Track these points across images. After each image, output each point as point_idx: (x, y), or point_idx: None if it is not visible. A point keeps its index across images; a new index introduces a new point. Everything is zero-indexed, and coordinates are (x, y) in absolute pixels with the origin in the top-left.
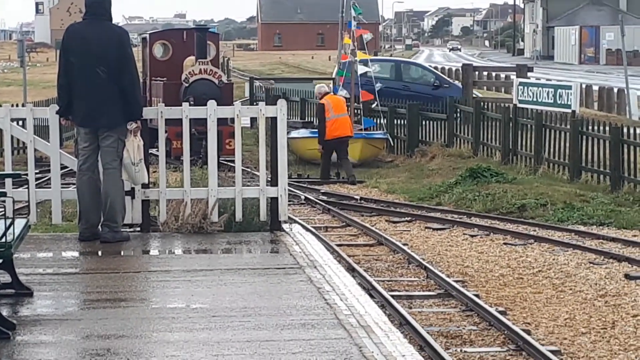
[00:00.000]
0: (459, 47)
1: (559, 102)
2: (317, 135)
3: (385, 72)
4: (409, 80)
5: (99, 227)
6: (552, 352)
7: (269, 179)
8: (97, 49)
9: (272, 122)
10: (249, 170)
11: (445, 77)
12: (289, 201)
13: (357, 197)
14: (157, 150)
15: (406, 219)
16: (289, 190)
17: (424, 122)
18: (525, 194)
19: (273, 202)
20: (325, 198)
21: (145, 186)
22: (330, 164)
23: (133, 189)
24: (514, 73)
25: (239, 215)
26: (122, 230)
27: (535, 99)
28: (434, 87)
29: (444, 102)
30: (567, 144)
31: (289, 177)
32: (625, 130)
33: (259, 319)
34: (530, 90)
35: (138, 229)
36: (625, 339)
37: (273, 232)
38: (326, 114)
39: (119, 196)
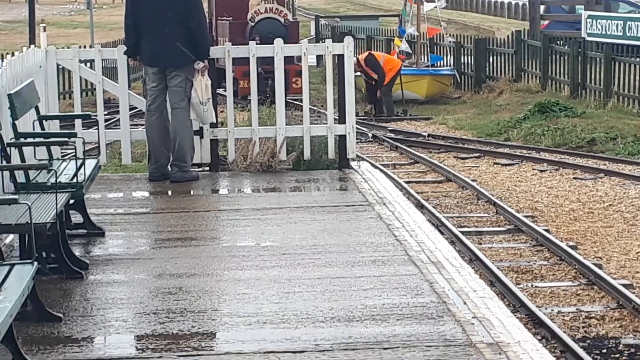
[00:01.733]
0: None
1: (628, 34)
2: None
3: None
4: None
5: (168, 167)
6: (624, 285)
7: (337, 117)
8: None
9: (339, 59)
10: (316, 108)
11: None
12: (357, 139)
13: (425, 134)
14: (225, 90)
15: (474, 155)
16: (357, 128)
17: (490, 58)
18: (594, 128)
19: (341, 139)
20: (392, 135)
21: (213, 126)
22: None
23: (201, 128)
24: (583, 6)
25: (307, 154)
26: (192, 169)
27: (604, 32)
28: None
29: (511, 36)
30: (637, 77)
31: (356, 115)
32: None
33: (329, 256)
34: (599, 23)
35: (207, 168)
36: None
37: (341, 169)
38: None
39: (187, 136)
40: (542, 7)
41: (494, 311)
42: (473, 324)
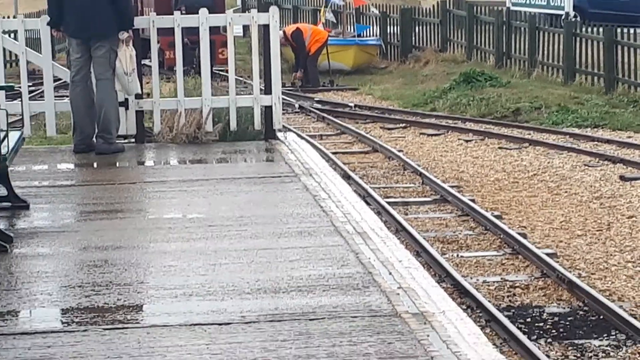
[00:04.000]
0: None
1: (552, 4)
2: None
3: None
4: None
5: (94, 138)
6: (548, 254)
7: (263, 88)
8: None
9: (265, 30)
10: (242, 79)
11: None
12: (283, 110)
13: (352, 105)
14: (150, 61)
15: (401, 125)
16: (283, 98)
17: (416, 28)
18: (519, 97)
19: (267, 110)
20: (319, 106)
21: (139, 97)
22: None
23: (127, 99)
24: None
25: (233, 125)
26: (117, 141)
27: (528, 2)
28: None
29: (436, 6)
30: (561, 47)
31: (283, 86)
32: (619, 30)
33: (256, 227)
34: None
35: (133, 140)
36: (621, 240)
37: (268, 140)
38: (304, 35)
39: (112, 107)
40: None
41: (419, 281)
42: (398, 294)
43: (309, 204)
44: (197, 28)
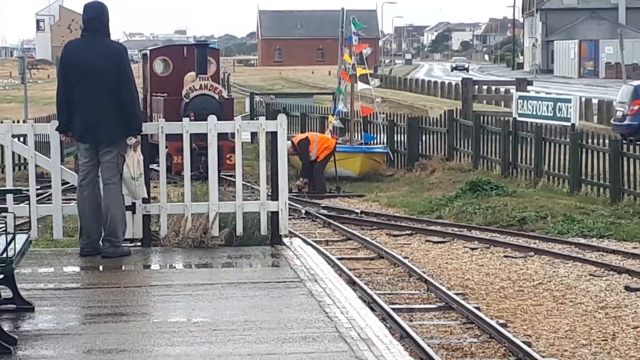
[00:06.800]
0: (466, 65)
1: (558, 115)
2: None
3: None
4: None
5: (100, 242)
6: None
7: (270, 194)
8: (96, 65)
9: (273, 136)
10: (249, 184)
11: None
12: (290, 215)
13: (358, 211)
14: (158, 166)
15: (407, 232)
16: (290, 204)
17: (423, 136)
18: (525, 206)
19: (274, 216)
20: (325, 212)
21: (146, 201)
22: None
23: (134, 203)
24: (514, 87)
25: (239, 230)
26: (123, 245)
27: (534, 113)
28: None
29: (443, 116)
30: (567, 157)
31: (289, 192)
32: (624, 143)
33: (260, 332)
34: (530, 103)
35: (139, 243)
36: (626, 350)
37: (274, 246)
38: (310, 146)
39: (119, 211)
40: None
41: None
42: None
43: (313, 309)
44: (205, 134)
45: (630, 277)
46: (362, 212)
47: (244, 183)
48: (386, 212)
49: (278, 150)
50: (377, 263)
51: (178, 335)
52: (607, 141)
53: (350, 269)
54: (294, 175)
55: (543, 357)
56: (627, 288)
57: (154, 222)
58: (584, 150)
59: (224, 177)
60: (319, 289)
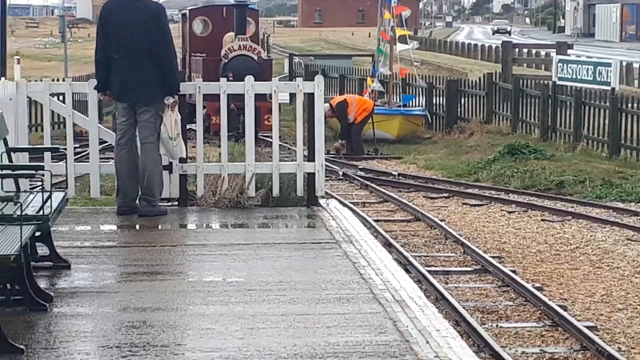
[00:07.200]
0: (508, 28)
1: (598, 79)
2: None
3: None
4: None
5: (137, 201)
6: (588, 327)
7: (307, 155)
8: (134, 24)
9: (310, 98)
10: (287, 145)
11: None
12: (327, 177)
13: (395, 173)
14: (196, 126)
15: (444, 195)
16: (327, 165)
17: (462, 99)
18: (563, 170)
19: (310, 177)
20: (363, 174)
21: (183, 161)
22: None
23: (171, 163)
24: (554, 50)
25: (276, 190)
26: (160, 204)
27: (574, 76)
28: None
29: (483, 79)
30: (606, 121)
31: (327, 153)
32: None
33: (294, 292)
34: (570, 67)
35: (176, 203)
36: None
37: (310, 207)
38: (349, 108)
39: (156, 170)
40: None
41: (457, 351)
42: None
43: (348, 270)
44: (242, 95)
45: None
46: (399, 174)
47: (281, 144)
48: (424, 174)
49: (315, 111)
50: (413, 225)
51: (213, 295)
52: None
53: (386, 231)
54: (332, 137)
55: (578, 320)
56: None
57: (191, 181)
58: (623, 114)
59: (262, 137)
60: (354, 251)
